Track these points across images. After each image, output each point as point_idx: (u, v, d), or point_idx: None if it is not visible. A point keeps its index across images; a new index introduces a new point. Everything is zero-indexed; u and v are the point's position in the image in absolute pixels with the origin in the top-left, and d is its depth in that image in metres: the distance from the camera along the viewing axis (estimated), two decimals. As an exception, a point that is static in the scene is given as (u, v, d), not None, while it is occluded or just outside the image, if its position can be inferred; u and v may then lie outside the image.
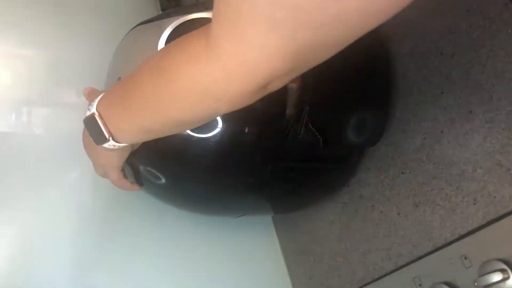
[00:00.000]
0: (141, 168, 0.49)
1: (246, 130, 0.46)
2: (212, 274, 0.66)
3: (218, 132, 0.44)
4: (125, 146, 0.38)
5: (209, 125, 0.44)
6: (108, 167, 0.45)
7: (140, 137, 0.38)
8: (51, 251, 0.60)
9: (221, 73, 0.26)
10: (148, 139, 0.38)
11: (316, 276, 0.65)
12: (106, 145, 0.37)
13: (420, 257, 0.48)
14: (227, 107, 0.29)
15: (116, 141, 0.36)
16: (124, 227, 0.63)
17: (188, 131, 0.44)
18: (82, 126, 0.40)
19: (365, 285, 0.56)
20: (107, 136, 0.36)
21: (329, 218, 0.63)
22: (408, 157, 0.51)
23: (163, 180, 0.49)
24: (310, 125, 0.47)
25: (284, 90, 0.47)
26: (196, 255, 0.66)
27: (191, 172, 0.49)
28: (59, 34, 0.74)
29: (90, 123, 0.36)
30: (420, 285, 0.47)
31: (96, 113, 0.36)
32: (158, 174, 0.49)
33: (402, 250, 0.51)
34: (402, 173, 0.52)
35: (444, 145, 0.47)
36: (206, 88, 0.27)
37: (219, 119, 0.44)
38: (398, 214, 0.52)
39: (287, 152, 0.49)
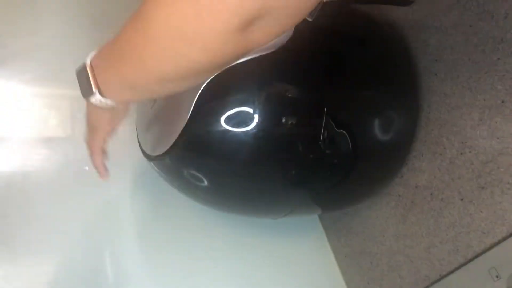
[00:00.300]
0: (184, 171, 0.47)
1: (283, 120, 0.43)
2: (258, 283, 0.62)
3: (255, 125, 0.42)
4: (115, 106, 0.36)
5: (246, 118, 0.42)
6: (97, 129, 0.42)
7: (125, 94, 0.35)
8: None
9: (191, 9, 0.24)
10: (135, 98, 0.37)
11: (375, 280, 0.60)
12: (93, 100, 0.35)
13: (494, 245, 0.43)
14: (203, 55, 0.27)
15: (103, 96, 0.35)
16: (169, 236, 0.62)
17: (225, 125, 0.42)
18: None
19: (432, 283, 0.51)
20: (94, 88, 0.34)
21: (383, 214, 0.58)
22: (465, 136, 0.46)
23: (205, 182, 0.47)
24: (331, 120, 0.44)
25: (318, 76, 0.44)
26: (239, 262, 0.62)
27: (231, 169, 0.46)
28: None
29: (80, 74, 0.35)
30: (497, 276, 0.41)
31: (88, 64, 0.35)
32: (200, 175, 0.47)
33: (471, 239, 0.46)
34: (461, 153, 0.47)
35: (507, 115, 0.42)
36: (176, 27, 0.26)
37: (254, 112, 0.42)
38: (462, 199, 0.46)
39: (328, 141, 0.46)
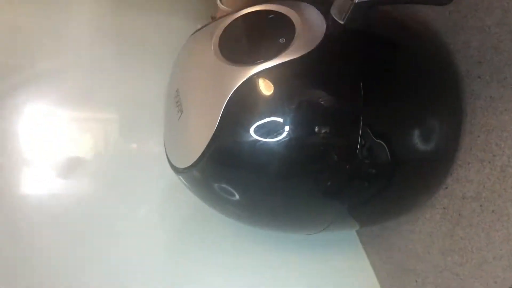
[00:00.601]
0: (212, 184, 0.46)
1: (317, 129, 0.41)
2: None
3: (285, 135, 0.40)
4: None
5: (276, 127, 0.40)
6: None
7: None
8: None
9: None
10: None
11: (421, 300, 0.56)
12: None
13: (557, 261, 0.38)
14: None
15: None
16: (199, 253, 0.60)
17: (254, 135, 0.40)
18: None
19: (486, 304, 0.46)
20: None
21: (427, 228, 0.54)
22: (518, 141, 0.42)
23: (235, 195, 0.46)
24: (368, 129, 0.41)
25: (353, 81, 0.42)
26: (273, 280, 0.60)
27: (261, 181, 0.44)
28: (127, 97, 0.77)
29: None
30: None
31: None
32: (228, 188, 0.45)
33: (529, 255, 0.41)
34: (513, 161, 0.43)
35: None
36: None
37: (285, 120, 0.40)
38: (516, 211, 0.42)
39: (365, 151, 0.43)
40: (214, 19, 0.93)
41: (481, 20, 0.46)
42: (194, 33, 0.49)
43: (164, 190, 0.64)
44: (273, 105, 0.41)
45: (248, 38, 0.42)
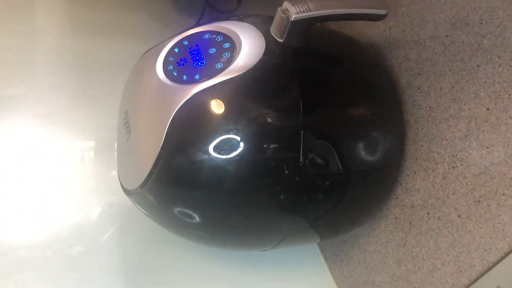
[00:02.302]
0: (162, 205, 0.46)
1: (258, 144, 0.42)
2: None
3: (228, 151, 0.41)
4: None
5: (220, 144, 0.41)
6: None
7: None
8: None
9: None
10: None
11: (381, 311, 0.56)
12: None
13: (497, 262, 0.39)
14: None
15: None
16: (156, 276, 0.59)
17: (198, 153, 0.41)
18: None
19: (439, 311, 0.47)
20: None
21: (382, 239, 0.55)
22: (455, 148, 0.44)
23: (185, 215, 0.45)
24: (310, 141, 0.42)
25: (292, 97, 0.43)
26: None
27: (209, 199, 0.44)
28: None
29: None
30: (504, 296, 0.38)
31: None
32: (178, 208, 0.45)
33: (473, 259, 0.42)
34: (453, 167, 0.44)
35: (493, 123, 0.40)
36: None
37: (228, 137, 0.40)
38: (459, 216, 0.44)
39: (310, 164, 0.44)
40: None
41: (417, 34, 0.49)
42: (144, 54, 0.50)
43: (123, 214, 0.63)
44: (215, 123, 0.41)
45: (191, 58, 0.43)
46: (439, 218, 0.46)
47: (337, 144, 0.45)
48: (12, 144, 0.70)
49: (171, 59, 0.44)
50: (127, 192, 0.46)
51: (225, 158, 0.41)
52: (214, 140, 0.40)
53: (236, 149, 0.40)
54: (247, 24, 0.45)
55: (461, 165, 0.43)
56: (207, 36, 0.45)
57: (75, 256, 0.59)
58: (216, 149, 0.41)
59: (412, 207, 0.50)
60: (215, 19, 0.47)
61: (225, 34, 0.44)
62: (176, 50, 0.45)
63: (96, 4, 0.91)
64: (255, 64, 0.41)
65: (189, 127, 0.41)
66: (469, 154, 0.42)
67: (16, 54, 0.82)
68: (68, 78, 0.79)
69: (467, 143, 0.42)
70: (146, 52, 0.50)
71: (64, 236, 0.61)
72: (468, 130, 0.42)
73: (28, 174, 0.68)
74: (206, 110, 0.41)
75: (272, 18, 0.44)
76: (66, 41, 0.85)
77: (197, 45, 0.44)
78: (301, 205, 0.46)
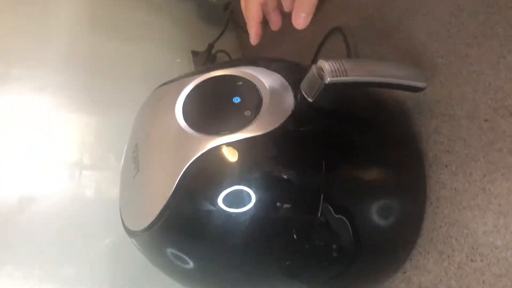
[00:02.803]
0: (165, 250, 0.43)
1: (277, 204, 0.39)
2: None
3: (244, 207, 0.38)
4: None
5: (234, 199, 0.38)
6: None
7: None
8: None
9: None
10: None
11: None
12: None
13: None
14: None
15: None
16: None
17: (210, 205, 0.38)
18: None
19: None
20: None
21: (382, 310, 0.52)
22: (477, 241, 0.41)
23: (188, 264, 0.43)
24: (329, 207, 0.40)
25: (315, 158, 0.40)
26: None
27: (215, 253, 0.42)
28: (103, 101, 0.75)
29: None
30: None
31: None
32: (182, 256, 0.43)
33: None
34: (472, 260, 0.41)
35: (525, 227, 0.37)
36: None
37: (244, 193, 0.38)
38: (470, 314, 0.41)
39: (325, 230, 0.41)
40: (194, 53, 0.91)
41: (453, 108, 0.46)
42: (159, 86, 0.48)
43: (117, 248, 0.61)
44: (231, 179, 0.39)
45: (213, 105, 0.41)
46: (447, 308, 0.43)
47: (354, 213, 0.43)
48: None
49: (192, 102, 0.41)
50: (129, 232, 0.43)
51: (237, 215, 0.38)
52: (226, 193, 0.38)
53: (251, 207, 0.38)
54: (277, 74, 0.43)
55: (481, 260, 0.41)
56: (232, 82, 0.42)
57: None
58: (227, 202, 0.38)
59: (420, 287, 0.47)
60: (240, 62, 0.44)
61: (252, 82, 0.42)
62: (198, 92, 0.42)
63: (117, 5, 0.88)
64: (280, 124, 0.39)
65: (203, 179, 0.39)
66: (492, 252, 0.40)
67: (27, 42, 0.80)
68: (74, 78, 0.77)
69: (491, 239, 0.40)
70: (162, 84, 0.47)
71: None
72: (495, 227, 0.40)
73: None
74: (222, 166, 0.38)
75: (298, 66, 0.42)
76: (81, 39, 0.82)
77: (223, 92, 0.41)
78: (309, 272, 0.44)
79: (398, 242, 0.46)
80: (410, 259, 0.49)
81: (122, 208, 0.46)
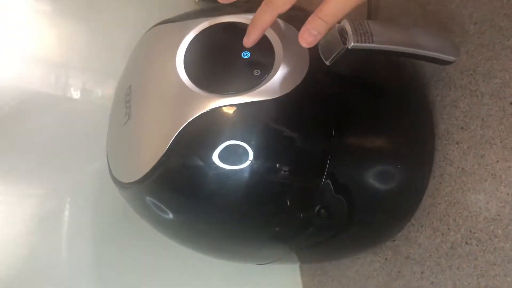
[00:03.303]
0: (160, 207, 0.41)
1: (278, 165, 0.37)
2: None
3: (243, 165, 0.36)
4: None
5: (233, 157, 0.36)
6: None
7: None
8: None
9: None
10: None
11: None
12: None
13: None
14: None
15: None
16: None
17: (208, 161, 0.35)
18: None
19: None
20: None
21: (365, 271, 0.53)
22: (477, 226, 0.40)
23: (181, 220, 0.42)
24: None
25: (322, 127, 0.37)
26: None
27: (208, 210, 0.40)
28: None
29: None
30: None
31: None
32: (176, 213, 0.41)
33: (454, 338, 0.41)
34: (466, 243, 0.41)
35: (530, 222, 0.36)
36: None
37: (244, 151, 0.35)
38: (455, 293, 0.41)
39: (322, 199, 0.40)
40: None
41: (477, 83, 0.43)
42: (159, 24, 0.42)
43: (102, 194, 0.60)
44: (229, 137, 0.35)
45: (218, 58, 0.36)
46: (432, 283, 0.44)
47: (357, 183, 0.41)
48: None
49: (196, 53, 0.37)
50: (119, 184, 0.41)
51: (233, 170, 0.36)
52: (222, 148, 0.35)
53: (245, 162, 0.35)
54: (293, 28, 0.38)
55: (477, 245, 0.40)
56: (243, 30, 0.37)
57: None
58: (224, 159, 0.35)
59: (407, 258, 0.47)
60: (254, 6, 0.38)
61: (265, 35, 0.37)
62: (203, 41, 0.37)
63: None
64: (291, 90, 0.35)
65: (201, 139, 0.36)
66: (490, 239, 0.39)
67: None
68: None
69: (492, 227, 0.39)
70: (162, 23, 0.42)
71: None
72: (499, 215, 0.38)
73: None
74: (225, 127, 0.35)
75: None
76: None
77: (229, 43, 0.37)
78: (298, 238, 0.43)
79: (396, 213, 0.45)
80: (401, 230, 0.48)
81: (110, 155, 0.43)
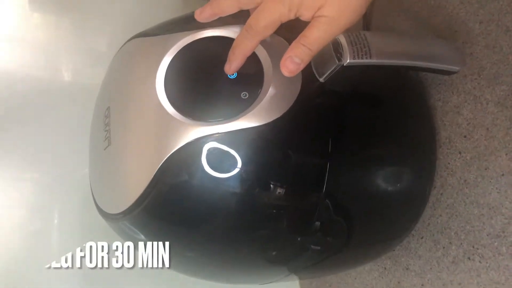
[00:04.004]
0: (152, 236, 0.39)
1: (272, 192, 0.34)
2: None
3: (241, 194, 0.33)
4: None
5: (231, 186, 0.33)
6: None
7: None
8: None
9: None
10: None
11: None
12: None
13: None
14: None
15: None
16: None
17: (207, 193, 0.33)
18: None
19: None
20: None
21: (364, 280, 0.52)
22: (480, 241, 0.38)
23: (179, 245, 0.39)
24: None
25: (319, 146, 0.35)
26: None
27: (201, 234, 0.38)
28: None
29: None
30: None
31: None
32: (167, 241, 0.39)
33: None
34: (469, 258, 0.39)
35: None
36: None
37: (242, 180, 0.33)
38: (457, 309, 0.40)
39: (321, 221, 0.38)
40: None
41: (481, 89, 0.40)
42: (136, 37, 0.38)
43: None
44: (222, 168, 0.33)
45: (202, 79, 0.33)
46: (433, 297, 0.43)
47: (356, 201, 0.39)
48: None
49: (177, 72, 0.33)
50: (105, 215, 0.38)
51: (232, 197, 0.34)
52: (216, 181, 0.33)
53: (238, 191, 0.33)
54: (283, 40, 0.34)
55: (480, 262, 0.38)
56: (228, 46, 0.34)
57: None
58: (217, 189, 0.33)
59: (407, 269, 0.46)
60: (240, 17, 0.34)
61: (253, 53, 0.33)
62: (185, 60, 0.34)
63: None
64: (283, 113, 0.32)
65: (187, 171, 0.33)
66: (494, 257, 0.37)
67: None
68: None
69: (495, 244, 0.37)
70: (139, 36, 0.38)
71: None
72: (503, 232, 0.37)
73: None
74: (213, 158, 0.32)
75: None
76: None
77: (213, 61, 0.33)
78: (296, 261, 0.41)
79: (397, 226, 0.44)
80: (401, 241, 0.47)
81: (93, 184, 0.41)
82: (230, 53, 0.32)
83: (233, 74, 0.32)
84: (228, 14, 0.33)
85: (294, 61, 0.30)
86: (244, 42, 0.31)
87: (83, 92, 0.66)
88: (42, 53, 0.69)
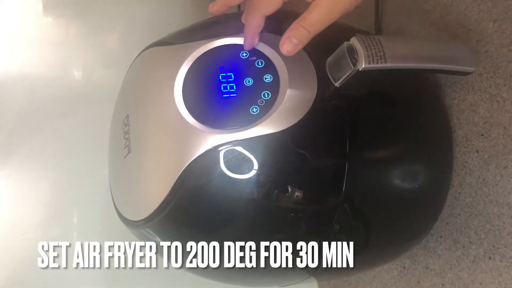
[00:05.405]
0: (175, 239, 0.39)
1: (291, 197, 0.35)
2: None
3: (262, 199, 0.34)
4: None
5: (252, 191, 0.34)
6: None
7: None
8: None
9: None
10: None
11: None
12: None
13: None
14: None
15: None
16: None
17: (228, 200, 0.34)
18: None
19: None
20: None
21: (383, 279, 0.52)
22: (500, 240, 0.38)
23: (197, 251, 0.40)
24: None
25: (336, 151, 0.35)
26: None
27: (221, 237, 0.38)
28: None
29: None
30: None
31: None
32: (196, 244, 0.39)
33: None
34: (490, 258, 0.39)
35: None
36: None
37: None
38: (478, 308, 0.40)
39: (340, 224, 0.38)
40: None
41: (497, 87, 0.39)
42: (152, 46, 0.39)
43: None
44: (242, 172, 0.33)
45: (219, 87, 0.33)
46: (454, 296, 0.43)
47: (376, 199, 0.39)
48: None
49: (194, 81, 0.34)
50: (127, 222, 0.39)
51: (253, 202, 0.34)
52: (236, 187, 0.33)
53: (259, 196, 0.34)
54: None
55: (501, 261, 0.38)
56: (244, 55, 0.34)
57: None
58: (239, 195, 0.33)
59: (426, 268, 0.46)
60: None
61: (268, 58, 0.34)
62: (202, 68, 0.34)
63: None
64: (300, 119, 0.32)
65: (207, 177, 0.34)
66: (515, 256, 0.37)
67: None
68: None
69: (516, 243, 0.37)
70: (155, 46, 0.39)
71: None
72: (523, 232, 0.37)
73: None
74: (230, 165, 0.33)
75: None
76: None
77: (229, 69, 0.34)
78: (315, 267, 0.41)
79: (416, 227, 0.43)
80: (420, 241, 0.47)
81: (113, 191, 0.41)
82: (244, 29, 0.33)
83: (251, 78, 0.33)
84: (237, 3, 0.35)
85: (292, 41, 0.31)
86: (249, 19, 0.33)
87: (97, 91, 0.70)
88: (56, 53, 0.71)
